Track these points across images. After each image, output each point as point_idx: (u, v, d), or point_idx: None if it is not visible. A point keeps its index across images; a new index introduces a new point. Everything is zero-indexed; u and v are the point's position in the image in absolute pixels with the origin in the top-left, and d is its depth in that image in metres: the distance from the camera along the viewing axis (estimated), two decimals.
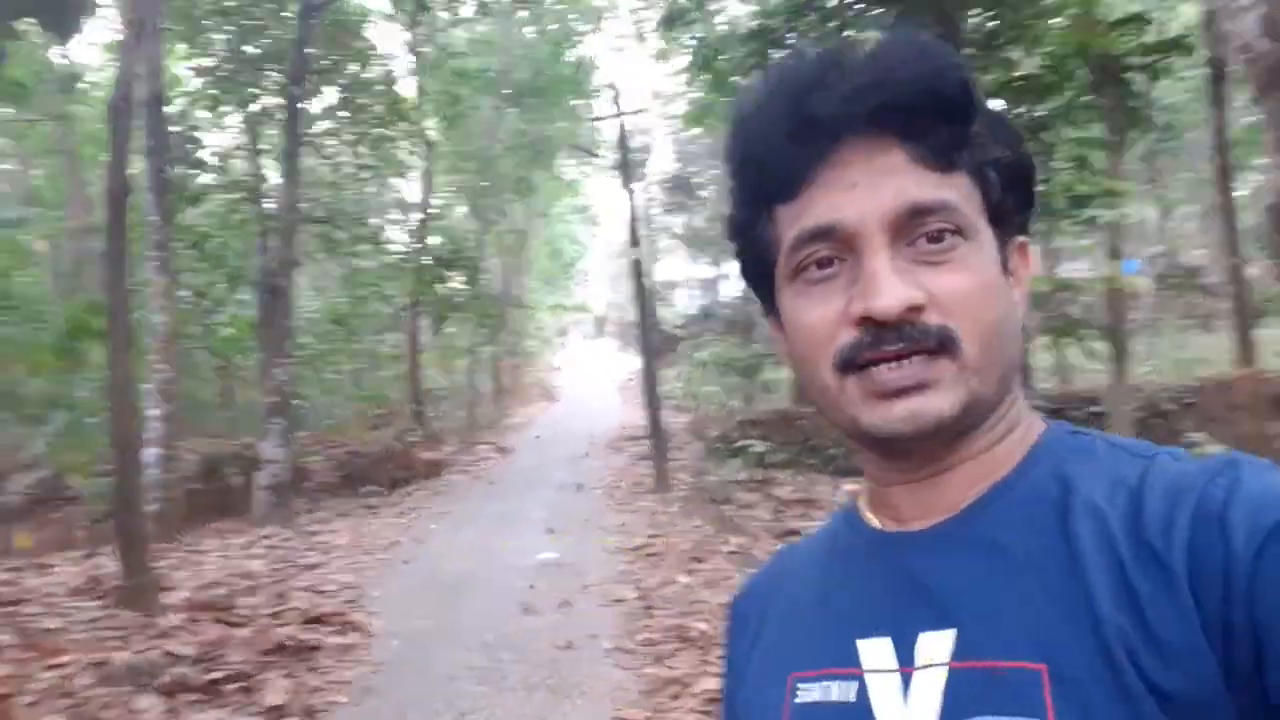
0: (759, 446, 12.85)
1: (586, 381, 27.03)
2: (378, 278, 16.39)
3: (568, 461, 13.05)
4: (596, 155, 17.83)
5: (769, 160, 0.63)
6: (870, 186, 0.60)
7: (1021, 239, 0.66)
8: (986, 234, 0.62)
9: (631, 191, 10.80)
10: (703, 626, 5.13)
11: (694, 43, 16.22)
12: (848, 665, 0.62)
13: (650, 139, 29.04)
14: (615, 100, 11.01)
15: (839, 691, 0.62)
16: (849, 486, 11.24)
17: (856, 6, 6.84)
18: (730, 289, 27.99)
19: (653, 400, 10.58)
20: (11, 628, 4.91)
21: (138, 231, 11.47)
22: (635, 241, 10.72)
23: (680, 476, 11.16)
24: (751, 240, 0.67)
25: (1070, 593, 0.55)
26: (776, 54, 6.91)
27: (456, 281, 16.23)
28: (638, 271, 10.81)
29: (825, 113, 0.60)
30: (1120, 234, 6.44)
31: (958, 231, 0.60)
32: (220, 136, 15.81)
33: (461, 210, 23.44)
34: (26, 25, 5.02)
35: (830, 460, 14.00)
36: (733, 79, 16.22)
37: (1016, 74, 6.31)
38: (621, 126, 10.81)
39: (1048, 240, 12.62)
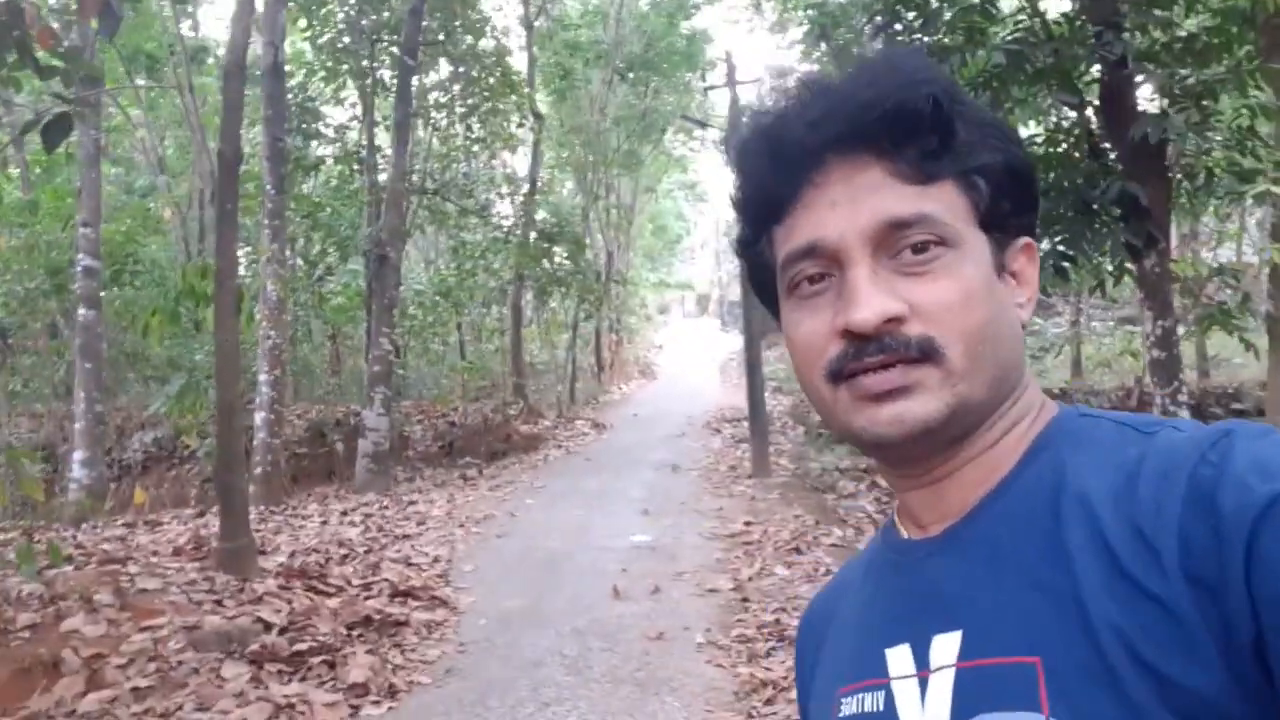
0: None
1: (687, 360, 26.75)
2: (484, 250, 16.47)
3: (665, 441, 12.83)
4: (707, 126, 17.38)
5: (758, 187, 0.67)
6: (849, 204, 0.62)
7: (1025, 240, 0.66)
8: (975, 240, 0.62)
9: None
10: None
11: (812, 13, 15.66)
12: (878, 675, 0.63)
13: None
14: (729, 69, 10.59)
15: (871, 702, 0.63)
16: None
17: None
18: None
19: (754, 381, 10.23)
20: (112, 587, 4.97)
21: (254, 200, 11.78)
22: None
23: (780, 462, 10.80)
24: (754, 258, 0.70)
25: (1061, 587, 0.54)
26: (907, 16, 6.43)
27: (560, 256, 16.14)
28: None
29: (795, 140, 0.63)
30: None
31: (941, 242, 0.61)
32: (337, 110, 16.14)
33: (568, 185, 23.42)
34: None
35: None
36: (853, 50, 15.59)
37: (1176, 35, 5.68)
38: (733, 96, 10.41)
39: (1193, 222, 11.67)
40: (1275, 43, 5.87)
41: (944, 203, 0.62)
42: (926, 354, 0.60)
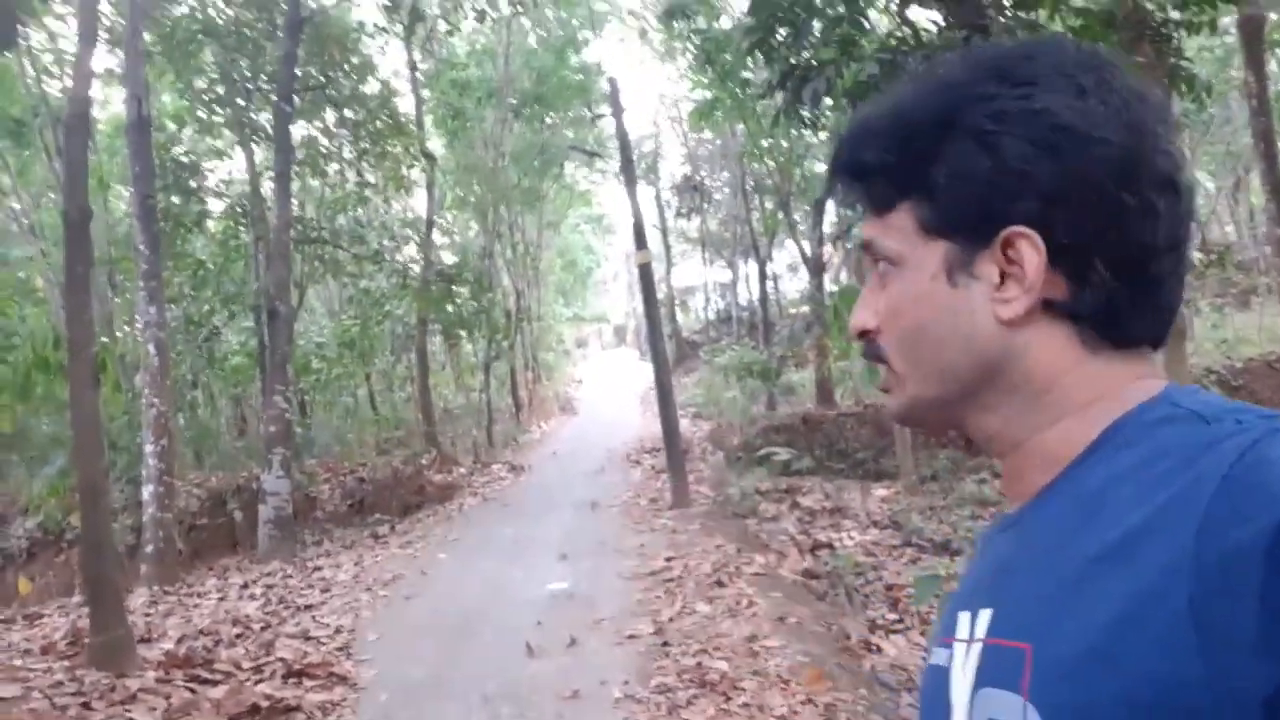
0: (783, 454, 12.28)
1: (607, 392, 26.50)
2: (384, 297, 15.99)
3: (585, 478, 12.53)
4: (597, 155, 17.29)
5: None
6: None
7: (1008, 232, 0.65)
8: (921, 253, 0.68)
9: (634, 191, 10.27)
10: (723, 666, 4.59)
11: (697, 39, 15.77)
12: (951, 635, 0.68)
13: (658, 142, 28.59)
14: (613, 96, 10.47)
15: (942, 657, 0.69)
16: (880, 493, 10.64)
17: None
18: (748, 291, 27.43)
19: (667, 410, 10.04)
20: None
21: (129, 262, 11.12)
22: (641, 244, 10.19)
23: (701, 489, 10.62)
24: None
25: (1070, 584, 0.57)
26: (781, 33, 6.37)
27: (464, 297, 15.77)
28: (645, 274, 10.28)
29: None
30: None
31: (893, 261, 0.69)
32: (223, 163, 15.53)
33: (473, 225, 23.04)
34: None
35: (859, 464, 13.39)
36: (740, 74, 15.73)
37: (1041, 37, 5.74)
38: (619, 123, 10.28)
39: None
40: (1137, 37, 5.98)
41: (894, 226, 0.69)
42: (882, 359, 0.71)
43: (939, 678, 0.68)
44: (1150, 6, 5.97)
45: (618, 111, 10.19)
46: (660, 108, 26.90)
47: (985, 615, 0.64)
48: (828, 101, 6.46)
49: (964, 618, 0.67)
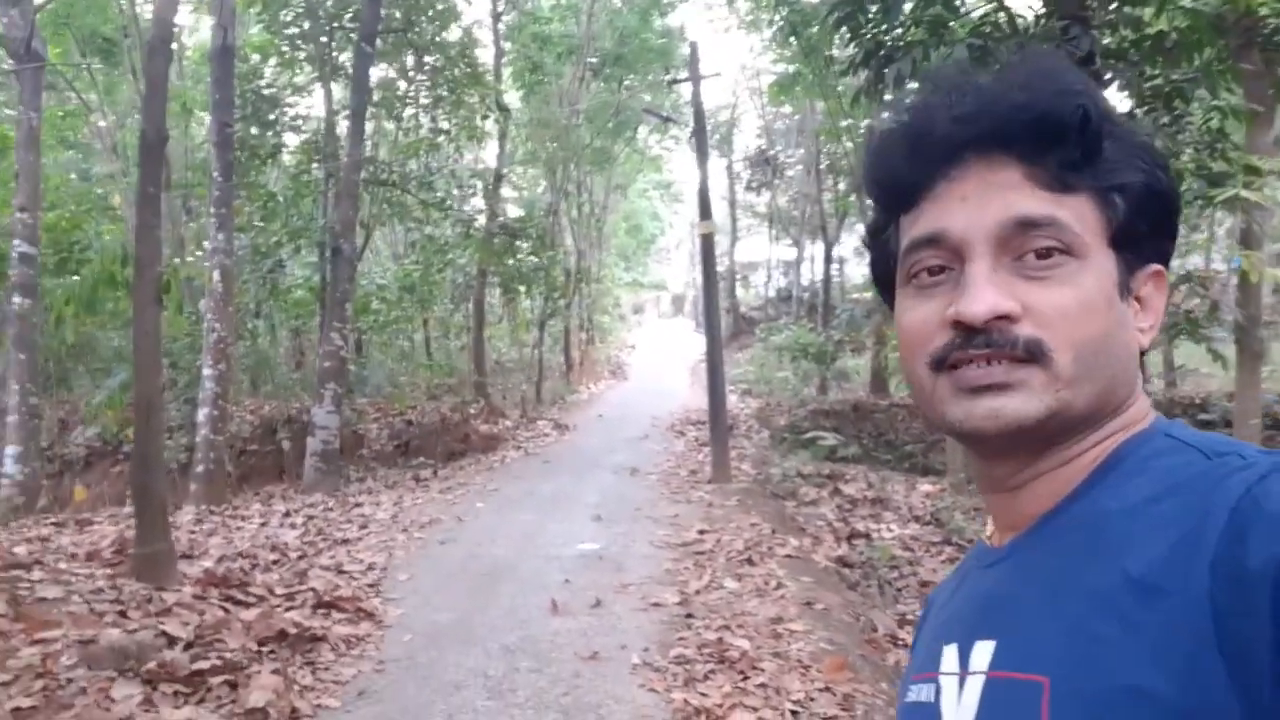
0: (829, 439, 12.16)
1: (658, 360, 26.48)
2: (448, 245, 16.11)
3: (627, 443, 12.54)
4: (674, 121, 17.10)
5: (892, 174, 0.69)
6: (980, 200, 0.63)
7: (1156, 266, 0.67)
8: (1102, 256, 0.63)
9: (704, 159, 10.12)
10: (744, 645, 4.55)
11: (784, 10, 15.48)
12: (934, 669, 0.67)
13: (735, 113, 28.24)
14: (692, 61, 10.31)
15: (925, 693, 0.67)
16: (925, 488, 10.47)
17: None
18: (811, 272, 27.07)
19: (716, 383, 9.96)
20: (8, 595, 4.62)
21: (202, 190, 11.35)
22: (706, 214, 10.07)
23: (743, 467, 10.56)
24: (879, 246, 0.73)
25: (1080, 616, 0.56)
26: (870, 9, 6.18)
27: (525, 252, 15.81)
28: (707, 245, 10.17)
29: (939, 133, 0.65)
30: (1259, 219, 5.56)
31: (1066, 250, 0.62)
32: (302, 98, 15.71)
33: (541, 182, 23.05)
34: None
35: (906, 457, 13.20)
36: (825, 50, 15.40)
37: (1145, 34, 5.47)
38: (695, 89, 10.13)
39: None
40: (1246, 44, 5.69)
41: (1076, 213, 0.62)
42: (1033, 355, 0.61)
43: (925, 714, 0.67)
44: (1265, 12, 5.66)
45: (695, 77, 10.04)
46: (740, 78, 26.46)
47: (984, 648, 0.62)
48: (911, 85, 6.27)
49: (950, 650, 0.66)
